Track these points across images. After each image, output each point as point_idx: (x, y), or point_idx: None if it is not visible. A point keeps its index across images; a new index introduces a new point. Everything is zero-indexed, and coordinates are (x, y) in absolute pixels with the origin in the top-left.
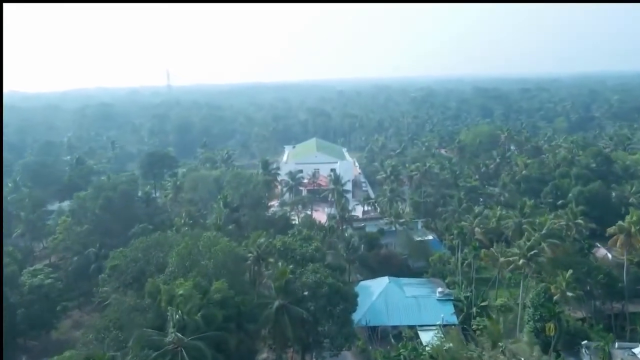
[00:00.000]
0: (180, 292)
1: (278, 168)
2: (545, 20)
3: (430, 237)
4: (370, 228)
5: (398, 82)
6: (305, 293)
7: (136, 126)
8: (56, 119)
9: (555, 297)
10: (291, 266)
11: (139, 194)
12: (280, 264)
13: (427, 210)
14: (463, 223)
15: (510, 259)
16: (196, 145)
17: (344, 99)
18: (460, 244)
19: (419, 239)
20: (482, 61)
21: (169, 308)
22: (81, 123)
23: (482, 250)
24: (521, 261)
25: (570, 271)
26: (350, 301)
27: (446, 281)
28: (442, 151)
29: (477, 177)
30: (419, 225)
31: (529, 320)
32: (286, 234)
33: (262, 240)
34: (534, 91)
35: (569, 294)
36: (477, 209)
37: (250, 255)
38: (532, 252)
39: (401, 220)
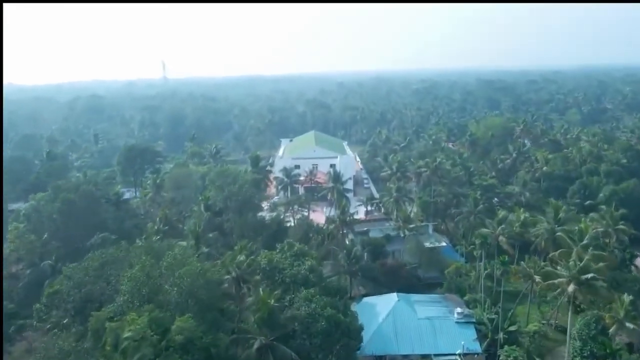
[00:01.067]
0: (129, 334)
1: (271, 164)
2: (545, 14)
3: (443, 244)
4: (375, 233)
5: (399, 75)
6: (296, 325)
7: (126, 119)
8: (45, 111)
9: (610, 331)
10: (277, 292)
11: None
12: (261, 290)
13: (437, 211)
14: (484, 230)
15: (556, 281)
16: (188, 139)
17: (345, 90)
18: (483, 255)
19: (431, 245)
20: (482, 54)
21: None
22: (69, 115)
23: (512, 267)
24: (571, 287)
25: (630, 297)
26: (354, 336)
27: (465, 298)
28: (450, 145)
29: (493, 174)
30: (430, 229)
31: (575, 356)
32: (275, 246)
33: (242, 257)
34: (541, 83)
35: (629, 325)
36: (501, 213)
37: (227, 277)
38: (589, 276)
39: (411, 226)
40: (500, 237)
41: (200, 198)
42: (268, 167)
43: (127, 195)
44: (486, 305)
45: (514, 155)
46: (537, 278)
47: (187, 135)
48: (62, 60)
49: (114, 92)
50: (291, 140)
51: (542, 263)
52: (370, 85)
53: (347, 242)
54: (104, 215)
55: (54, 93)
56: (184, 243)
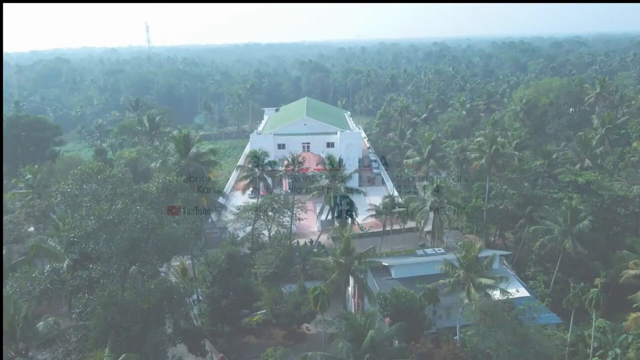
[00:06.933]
0: None
1: (213, 152)
2: None
3: (523, 291)
4: (400, 272)
5: (403, 42)
6: None
7: (84, 85)
8: None
9: None
10: None
11: None
12: None
13: (490, 218)
14: None
15: None
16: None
17: (346, 55)
18: None
19: (501, 295)
20: (481, 24)
21: None
22: (14, 82)
23: None
24: None
25: None
26: None
27: None
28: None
29: (587, 162)
30: (496, 262)
31: None
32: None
33: None
34: (566, 45)
35: None
36: None
37: None
38: None
39: (484, 281)
40: None
41: (61, 233)
42: (213, 158)
43: None
44: None
45: (602, 131)
46: None
47: (153, 105)
48: (55, 28)
49: (88, 58)
50: (277, 110)
51: None
52: (375, 50)
53: (349, 292)
54: None
55: (25, 60)
56: None
